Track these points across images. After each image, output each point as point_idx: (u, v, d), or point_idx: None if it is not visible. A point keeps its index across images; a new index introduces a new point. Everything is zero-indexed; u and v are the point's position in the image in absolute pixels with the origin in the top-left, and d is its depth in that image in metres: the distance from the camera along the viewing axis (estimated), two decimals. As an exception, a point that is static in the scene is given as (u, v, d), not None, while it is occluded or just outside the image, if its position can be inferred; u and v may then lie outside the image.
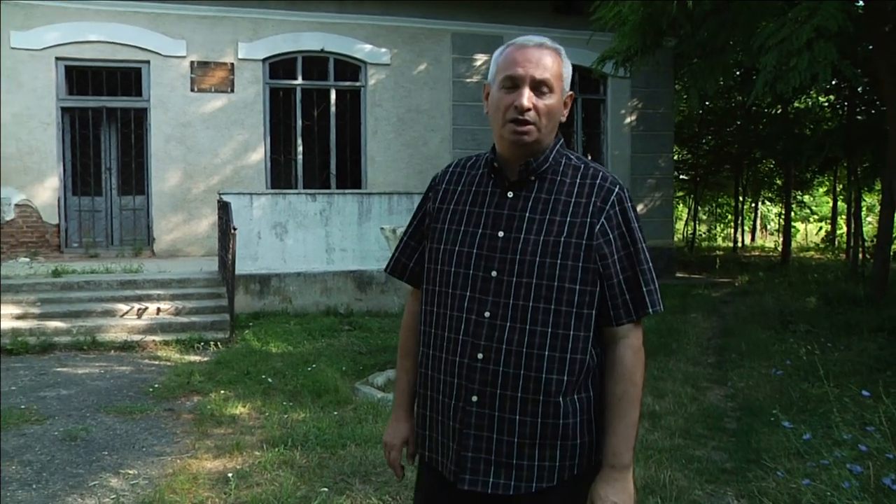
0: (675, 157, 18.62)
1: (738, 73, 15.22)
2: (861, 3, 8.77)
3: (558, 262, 1.61)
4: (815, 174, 20.49)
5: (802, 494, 3.38)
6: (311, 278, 9.65)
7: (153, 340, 7.61)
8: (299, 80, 12.11)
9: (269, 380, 6.12)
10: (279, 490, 3.75)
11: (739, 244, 24.45)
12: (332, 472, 4.07)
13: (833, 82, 12.24)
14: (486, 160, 1.77)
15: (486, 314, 1.64)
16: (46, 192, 11.00)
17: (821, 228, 28.15)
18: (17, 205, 10.86)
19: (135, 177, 11.69)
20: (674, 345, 7.63)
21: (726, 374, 6.53)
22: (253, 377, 6.19)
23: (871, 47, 9.72)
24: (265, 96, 11.91)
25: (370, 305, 9.72)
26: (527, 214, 1.66)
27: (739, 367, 6.62)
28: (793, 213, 21.48)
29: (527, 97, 1.62)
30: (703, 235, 28.17)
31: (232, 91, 11.70)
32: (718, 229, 29.95)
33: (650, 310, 1.68)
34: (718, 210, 28.81)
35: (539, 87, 1.63)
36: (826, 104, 17.77)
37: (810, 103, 18.53)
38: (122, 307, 8.22)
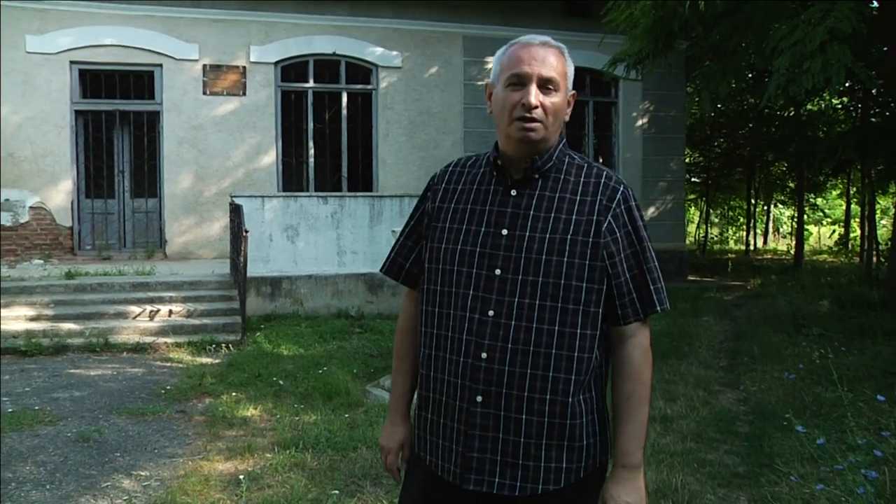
0: (687, 160, 18.57)
1: (750, 75, 15.16)
2: (875, 3, 8.71)
3: (565, 259, 1.60)
4: (828, 177, 20.33)
5: (816, 500, 3.35)
6: (323, 281, 9.67)
7: (165, 342, 7.65)
8: (311, 84, 12.15)
9: (281, 382, 6.13)
10: (290, 492, 3.76)
11: (751, 247, 24.29)
12: (344, 474, 4.07)
13: (847, 84, 12.15)
14: (487, 159, 1.76)
15: (490, 313, 1.62)
16: (60, 194, 11.09)
17: (834, 231, 27.94)
18: (31, 207, 10.95)
19: (147, 179, 11.76)
20: (686, 348, 7.60)
21: (738, 377, 6.49)
22: (264, 379, 6.21)
23: (885, 49, 9.65)
24: (277, 99, 11.96)
25: (381, 308, 9.73)
26: (531, 212, 1.65)
27: (752, 371, 6.58)
28: (805, 216, 21.33)
29: (534, 95, 1.61)
30: (715, 238, 28.04)
31: (244, 94, 11.75)
32: (730, 232, 29.80)
33: (658, 308, 1.68)
34: (730, 213, 28.66)
35: (545, 85, 1.63)
36: (839, 106, 17.65)
37: (823, 105, 18.41)
38: (135, 309, 8.27)
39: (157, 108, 11.52)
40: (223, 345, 7.64)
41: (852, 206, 22.10)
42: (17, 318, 7.90)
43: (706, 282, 13.93)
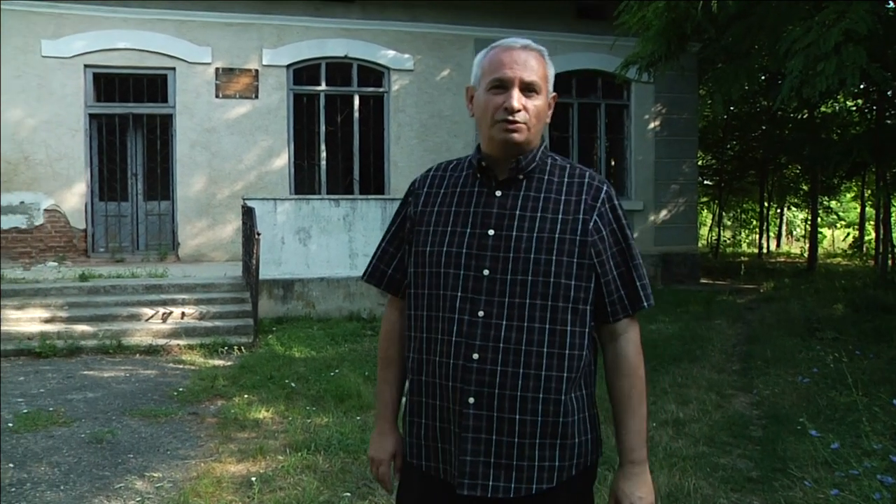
0: (700, 163, 18.48)
1: (763, 77, 15.09)
2: (892, 4, 8.63)
3: (553, 258, 1.61)
4: (842, 179, 20.20)
5: (831, 505, 3.33)
6: (335, 283, 9.69)
7: (178, 344, 7.68)
8: (323, 86, 12.19)
9: (293, 384, 6.15)
10: (302, 494, 3.77)
11: (765, 250, 24.16)
12: (355, 476, 4.07)
13: (861, 86, 12.06)
14: (469, 162, 1.78)
15: (480, 314, 1.62)
16: (74, 197, 11.17)
17: (848, 234, 27.74)
18: (46, 210, 11.04)
19: (160, 182, 11.83)
20: (698, 351, 7.56)
21: (752, 381, 6.44)
22: (276, 382, 6.23)
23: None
24: (289, 102, 12.01)
25: (392, 310, 9.71)
26: (517, 212, 1.65)
27: (765, 375, 6.53)
28: (819, 219, 21.19)
29: (517, 98, 1.63)
30: (728, 241, 27.90)
31: (256, 97, 11.80)
32: (743, 235, 29.65)
33: (644, 304, 1.71)
34: (743, 216, 28.51)
35: (527, 88, 1.65)
36: (854, 108, 17.52)
37: (837, 108, 18.29)
38: (148, 311, 8.32)
39: (170, 112, 11.59)
40: (235, 347, 7.67)
41: (867, 208, 21.92)
42: (32, 320, 7.97)
43: (719, 285, 13.85)
